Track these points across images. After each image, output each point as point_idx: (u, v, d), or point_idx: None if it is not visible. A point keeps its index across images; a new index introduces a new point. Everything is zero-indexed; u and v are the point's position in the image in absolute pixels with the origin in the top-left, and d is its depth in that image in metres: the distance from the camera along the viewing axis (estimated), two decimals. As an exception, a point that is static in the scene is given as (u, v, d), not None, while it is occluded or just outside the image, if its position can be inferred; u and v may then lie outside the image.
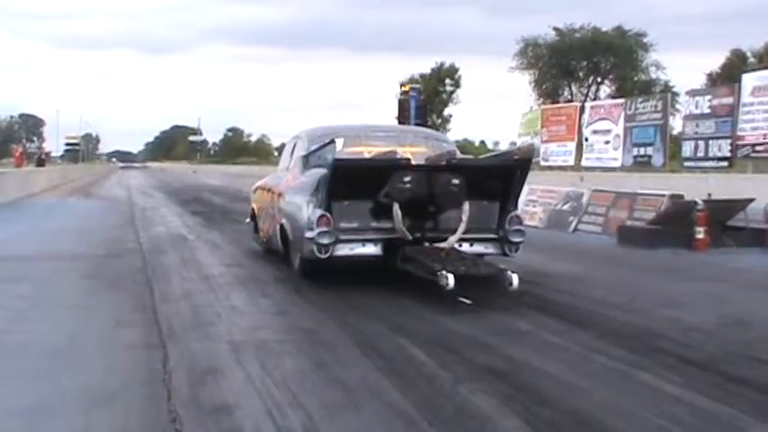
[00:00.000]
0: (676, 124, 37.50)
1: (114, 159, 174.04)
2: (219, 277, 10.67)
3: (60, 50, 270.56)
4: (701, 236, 13.98)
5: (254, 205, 13.26)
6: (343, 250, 9.53)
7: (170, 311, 8.21)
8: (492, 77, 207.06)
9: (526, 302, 8.82)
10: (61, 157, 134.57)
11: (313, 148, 10.91)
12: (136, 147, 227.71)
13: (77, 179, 53.86)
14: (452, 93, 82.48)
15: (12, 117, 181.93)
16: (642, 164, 30.71)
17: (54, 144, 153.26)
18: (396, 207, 9.33)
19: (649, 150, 30.53)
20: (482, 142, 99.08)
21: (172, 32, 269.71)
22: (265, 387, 5.56)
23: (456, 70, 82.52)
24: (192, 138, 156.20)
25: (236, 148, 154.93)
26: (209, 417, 4.96)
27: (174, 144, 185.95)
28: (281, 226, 10.80)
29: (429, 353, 6.56)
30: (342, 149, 10.08)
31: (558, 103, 57.30)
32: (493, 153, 11.42)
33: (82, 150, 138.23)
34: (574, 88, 68.61)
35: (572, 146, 35.78)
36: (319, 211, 9.46)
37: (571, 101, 59.54)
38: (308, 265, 9.89)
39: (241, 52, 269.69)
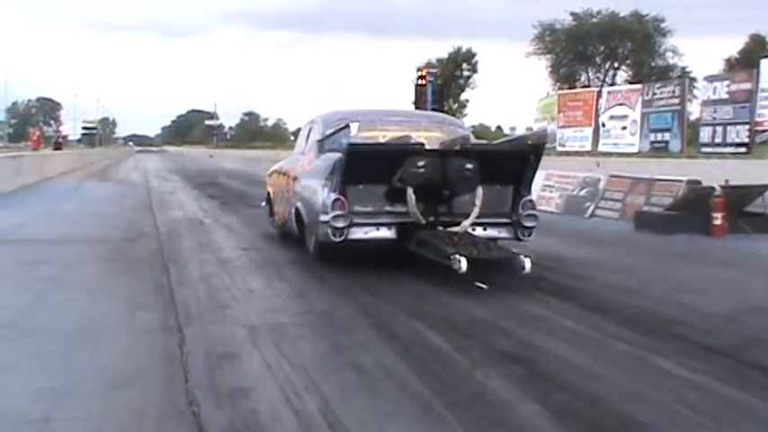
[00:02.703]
0: (694, 110, 37.28)
1: (131, 143, 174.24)
2: (236, 261, 10.69)
3: (78, 34, 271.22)
4: (718, 222, 13.93)
5: (270, 189, 13.40)
6: (358, 233, 9.60)
7: (187, 295, 8.23)
8: (509, 62, 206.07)
9: (543, 287, 8.81)
10: (78, 140, 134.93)
11: (328, 132, 10.99)
12: (153, 131, 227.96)
13: (94, 163, 54.05)
14: (469, 78, 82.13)
15: (29, 101, 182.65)
16: (659, 149, 30.52)
17: (71, 128, 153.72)
18: (410, 191, 9.43)
19: (666, 136, 30.34)
20: (498, 127, 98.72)
21: (189, 16, 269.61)
22: (282, 370, 5.57)
23: (473, 55, 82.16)
24: (208, 122, 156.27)
25: (253, 132, 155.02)
26: (226, 400, 4.97)
27: (191, 128, 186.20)
28: (297, 209, 10.88)
29: (445, 336, 6.56)
30: (357, 134, 10.21)
31: (574, 88, 57.05)
32: (507, 138, 11.39)
33: (99, 134, 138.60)
34: (591, 73, 68.20)
35: (589, 131, 35.58)
36: (334, 195, 9.50)
37: (588, 86, 59.22)
38: (323, 248, 9.92)
39: (258, 36, 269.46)
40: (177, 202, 21.29)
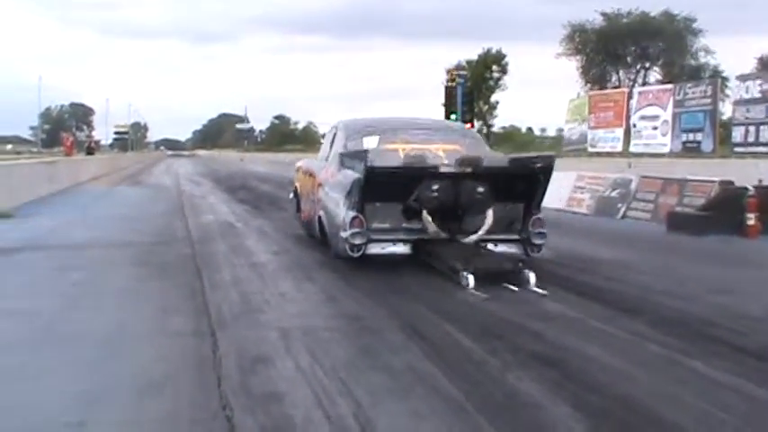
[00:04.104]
0: (726, 109, 36.94)
1: (162, 147, 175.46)
2: (267, 264, 10.75)
3: (109, 40, 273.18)
4: (751, 222, 13.83)
5: (297, 184, 13.87)
6: (375, 249, 10.11)
7: (219, 298, 8.28)
8: (539, 63, 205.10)
9: (574, 289, 8.79)
10: (110, 145, 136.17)
11: (350, 146, 11.35)
12: (184, 135, 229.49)
13: (126, 167, 54.45)
14: (499, 79, 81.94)
15: (62, 106, 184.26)
16: (691, 150, 30.32)
17: (103, 132, 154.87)
18: (425, 213, 10.04)
19: (699, 136, 30.13)
20: (529, 129, 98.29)
21: (218, 22, 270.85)
22: (314, 374, 5.59)
23: (503, 56, 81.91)
24: (239, 125, 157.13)
25: (283, 135, 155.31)
26: (259, 404, 4.99)
27: (222, 132, 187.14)
28: (320, 218, 11.36)
29: (476, 339, 6.56)
30: (377, 147, 10.86)
31: (605, 88, 56.77)
32: (517, 157, 12.18)
33: (131, 139, 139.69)
34: (621, 74, 67.78)
35: (620, 132, 35.41)
36: (352, 213, 9.95)
37: (619, 87, 58.91)
38: (343, 256, 10.24)
39: (288, 41, 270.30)
40: (208, 205, 21.41)
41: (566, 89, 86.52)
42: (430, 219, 10.03)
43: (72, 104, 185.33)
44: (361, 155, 10.15)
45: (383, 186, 9.84)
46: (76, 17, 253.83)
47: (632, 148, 33.94)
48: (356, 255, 9.97)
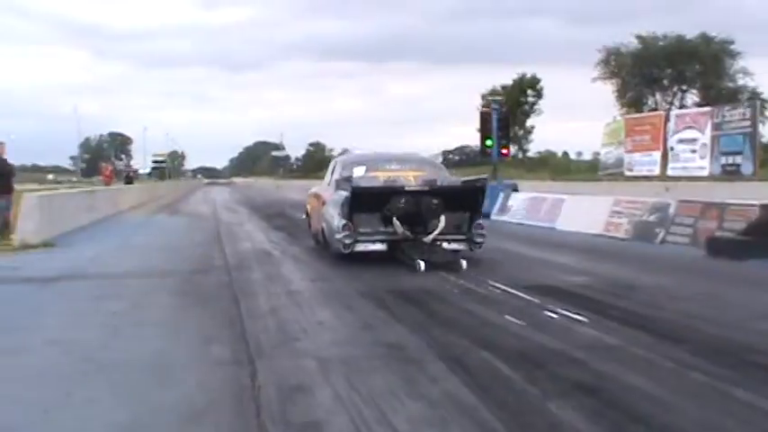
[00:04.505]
0: (766, 132, 36.62)
1: (200, 176, 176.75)
2: (305, 292, 10.77)
3: (145, 70, 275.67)
4: (794, 246, 13.62)
5: (308, 206, 17.60)
6: (360, 247, 13.42)
7: (257, 327, 8.30)
8: (574, 87, 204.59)
9: (614, 316, 8.72)
10: (148, 174, 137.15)
11: (344, 174, 14.88)
12: (220, 163, 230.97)
13: (164, 196, 54.88)
14: (534, 104, 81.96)
15: (101, 136, 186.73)
16: (730, 173, 30.03)
17: (141, 161, 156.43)
18: (395, 219, 13.30)
19: (738, 159, 29.84)
20: (565, 153, 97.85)
21: (253, 49, 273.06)
22: (353, 403, 5.57)
23: (538, 81, 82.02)
24: (274, 153, 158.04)
25: (319, 162, 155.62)
26: (298, 433, 4.99)
27: (258, 159, 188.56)
28: (323, 227, 14.64)
29: (516, 367, 6.52)
30: (364, 174, 14.63)
31: (641, 112, 56.43)
32: (466, 179, 16.17)
33: (168, 167, 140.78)
34: (658, 97, 67.42)
35: (657, 155, 35.16)
36: (344, 221, 13.37)
37: (655, 110, 58.50)
38: (338, 254, 13.56)
39: (322, 67, 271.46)
40: (245, 233, 21.50)
41: (601, 113, 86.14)
42: (399, 224, 13.28)
43: (110, 134, 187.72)
44: (349, 179, 14.18)
45: (365, 201, 13.36)
46: (113, 49, 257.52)
47: (670, 172, 33.68)
48: (346, 251, 13.29)
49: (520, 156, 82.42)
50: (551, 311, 8.73)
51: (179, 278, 12.17)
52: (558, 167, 73.22)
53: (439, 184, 14.33)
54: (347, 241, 13.31)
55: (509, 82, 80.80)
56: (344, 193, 13.69)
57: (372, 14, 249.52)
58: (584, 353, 7.04)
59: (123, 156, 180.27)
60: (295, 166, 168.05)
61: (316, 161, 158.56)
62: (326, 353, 7.12)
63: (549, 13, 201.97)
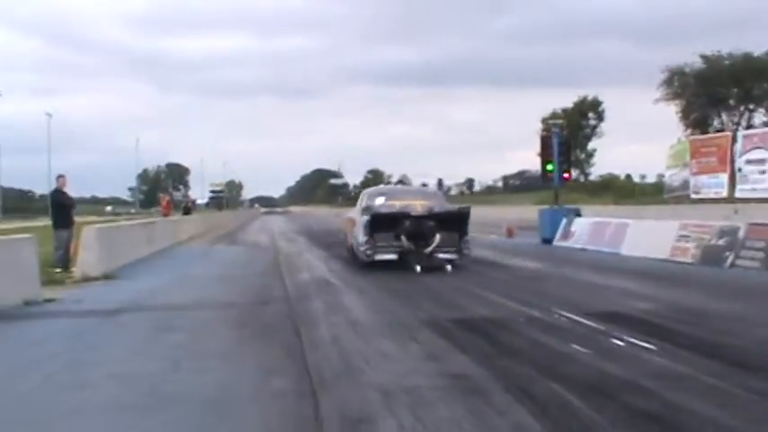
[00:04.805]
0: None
1: (257, 205, 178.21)
2: (367, 322, 10.80)
3: (204, 100, 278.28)
4: None
5: (344, 227, 23.15)
6: (378, 256, 18.32)
7: (319, 358, 8.34)
8: (636, 109, 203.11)
9: (683, 344, 8.61)
10: (206, 204, 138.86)
11: (368, 203, 20.16)
12: (277, 192, 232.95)
13: (222, 226, 55.41)
14: (596, 126, 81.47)
15: (159, 166, 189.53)
16: (802, 193, 29.46)
17: (199, 191, 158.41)
18: (403, 236, 18.27)
19: (809, 179, 29.27)
20: (628, 176, 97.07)
21: (312, 76, 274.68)
22: (418, 435, 5.57)
23: (599, 103, 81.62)
24: (332, 181, 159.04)
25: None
26: (363, 466, 5.00)
27: (315, 188, 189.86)
28: (352, 244, 20.08)
29: (583, 397, 6.47)
30: (384, 202, 20.04)
31: (707, 133, 55.72)
32: (458, 206, 20.82)
33: (226, 197, 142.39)
34: (724, 117, 66.60)
35: (724, 177, 34.61)
36: (366, 237, 18.42)
37: (722, 130, 57.82)
38: (363, 264, 18.50)
39: (380, 92, 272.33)
40: (305, 263, 21.64)
41: (665, 134, 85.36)
42: (405, 239, 18.27)
43: (168, 164, 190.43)
44: (371, 207, 19.43)
45: (382, 223, 18.40)
46: (173, 80, 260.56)
47: (738, 194, 33.12)
48: (368, 260, 18.29)
49: (582, 179, 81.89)
50: (618, 339, 8.65)
51: (239, 309, 12.28)
52: (621, 191, 72.63)
53: (436, 210, 19.15)
54: (369, 252, 18.41)
55: (570, 105, 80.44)
56: (367, 217, 18.67)
57: (432, 39, 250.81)
58: (653, 382, 6.96)
59: (181, 186, 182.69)
60: (353, 194, 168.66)
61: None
62: (390, 384, 7.13)
63: (611, 35, 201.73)
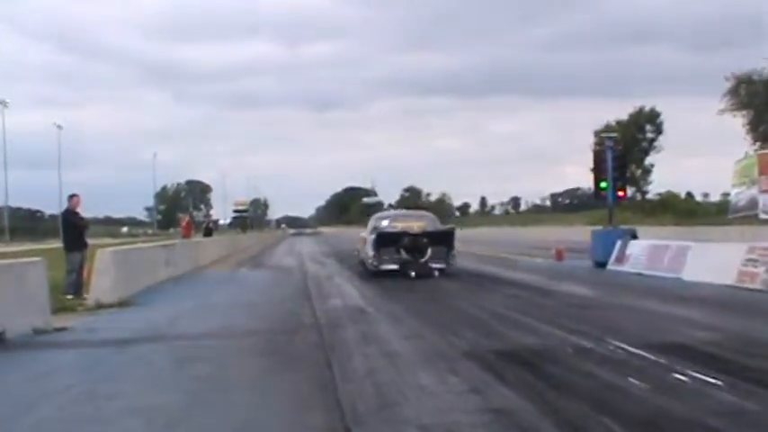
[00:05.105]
0: None
1: (284, 225, 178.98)
2: (403, 353, 10.79)
3: (225, 112, 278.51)
4: None
5: (359, 244, 29.53)
6: (383, 266, 23.86)
7: (352, 392, 8.35)
8: (698, 121, 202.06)
9: (753, 378, 8.53)
10: (229, 224, 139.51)
11: (375, 224, 26.77)
12: (306, 211, 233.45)
13: (247, 248, 55.66)
14: (654, 140, 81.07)
15: (178, 184, 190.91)
16: None
17: (221, 210, 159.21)
18: (402, 250, 23.96)
19: None
20: (689, 194, 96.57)
21: (342, 86, 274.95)
22: (460, 476, 5.57)
23: (657, 115, 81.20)
24: (366, 200, 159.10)
25: (415, 209, 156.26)
26: None
27: (347, 207, 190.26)
28: (363, 257, 26.62)
29: (642, 437, 6.43)
30: (388, 224, 26.64)
31: (777, 146, 55.20)
32: (444, 227, 27.26)
33: (250, 217, 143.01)
34: (797, 129, 65.83)
35: (797, 195, 34.29)
36: (373, 252, 24.37)
37: (794, 144, 57.22)
38: (370, 271, 24.60)
39: (415, 103, 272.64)
40: (336, 288, 21.71)
41: (731, 148, 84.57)
42: (404, 253, 24.03)
43: (188, 182, 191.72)
44: (377, 228, 25.85)
45: (386, 240, 24.26)
46: (191, 90, 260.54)
47: (813, 213, 32.80)
48: (374, 270, 24.13)
49: (638, 198, 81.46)
50: (680, 373, 8.59)
51: (265, 339, 12.34)
52: (681, 210, 72.18)
53: (429, 230, 25.78)
54: (375, 263, 24.68)
55: (624, 116, 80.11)
56: (374, 236, 25.13)
57: (468, 47, 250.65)
58: (719, 420, 6.90)
59: (202, 205, 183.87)
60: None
61: (411, 207, 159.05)
62: (429, 420, 7.13)
63: (662, 39, 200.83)
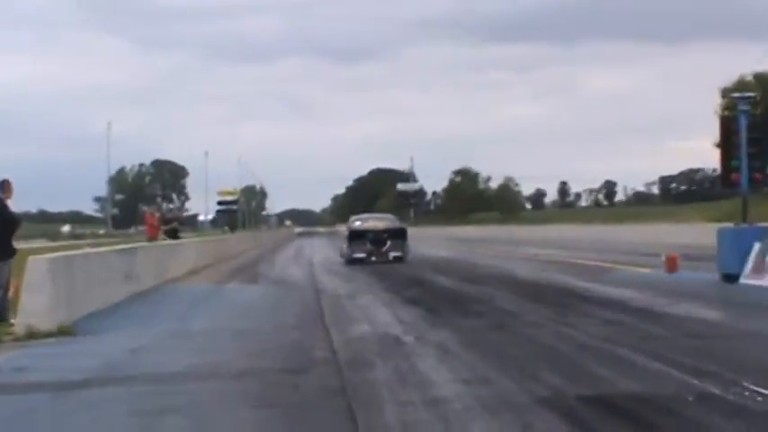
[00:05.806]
0: None
1: (289, 222, 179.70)
2: (455, 401, 10.73)
3: (210, 65, 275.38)
4: None
5: (343, 244, 53.30)
6: (354, 254, 48.65)
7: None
8: None
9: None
10: (212, 221, 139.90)
11: (349, 225, 53.76)
12: (318, 203, 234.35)
13: (239, 254, 55.95)
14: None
15: (141, 165, 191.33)
16: None
17: (201, 202, 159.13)
18: (368, 242, 49.44)
19: None
20: None
21: (370, 28, 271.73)
22: None
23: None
24: (401, 186, 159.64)
25: (469, 198, 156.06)
26: None
27: (375, 196, 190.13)
28: (341, 250, 53.97)
29: None
30: (360, 224, 52.53)
31: None
32: (400, 225, 51.73)
33: (242, 210, 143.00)
34: None
35: None
36: (347, 245, 50.82)
37: None
38: (345, 261, 49.39)
39: (474, 54, 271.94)
40: (360, 310, 21.74)
41: None
42: (369, 245, 48.72)
43: (155, 162, 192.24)
44: (350, 228, 53.07)
45: (356, 236, 50.29)
46: (161, 35, 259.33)
47: None
48: (348, 259, 48.22)
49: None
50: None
51: (263, 381, 12.33)
52: None
53: (389, 227, 49.72)
54: (347, 252, 48.15)
55: (766, 67, 79.62)
56: (347, 233, 51.10)
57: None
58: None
59: (174, 195, 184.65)
60: (433, 205, 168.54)
61: (464, 196, 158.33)
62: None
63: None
